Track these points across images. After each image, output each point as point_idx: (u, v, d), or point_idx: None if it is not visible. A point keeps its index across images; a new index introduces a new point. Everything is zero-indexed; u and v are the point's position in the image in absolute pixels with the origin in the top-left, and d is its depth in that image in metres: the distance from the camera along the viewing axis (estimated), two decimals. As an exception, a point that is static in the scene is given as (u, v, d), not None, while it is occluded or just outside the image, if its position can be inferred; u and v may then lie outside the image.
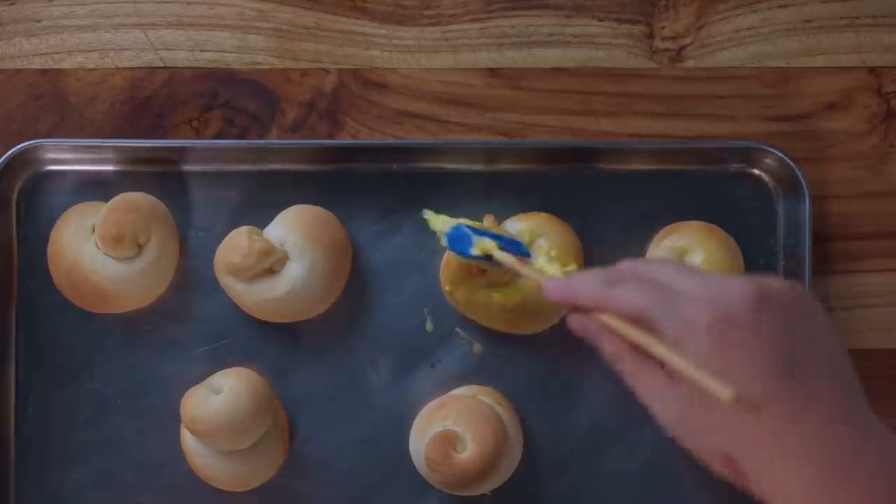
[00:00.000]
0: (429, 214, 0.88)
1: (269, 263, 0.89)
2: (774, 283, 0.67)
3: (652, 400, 0.70)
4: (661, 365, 0.69)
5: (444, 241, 0.87)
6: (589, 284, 0.72)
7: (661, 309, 0.68)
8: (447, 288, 0.91)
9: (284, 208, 0.92)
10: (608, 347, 0.72)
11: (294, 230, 0.90)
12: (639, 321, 0.69)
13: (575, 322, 0.74)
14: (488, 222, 0.91)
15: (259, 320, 0.91)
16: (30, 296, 0.92)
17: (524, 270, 0.80)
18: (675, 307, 0.67)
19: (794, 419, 0.64)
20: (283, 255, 0.90)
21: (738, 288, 0.66)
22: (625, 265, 0.73)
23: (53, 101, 0.95)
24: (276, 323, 0.92)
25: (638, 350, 0.70)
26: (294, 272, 0.90)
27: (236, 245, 0.89)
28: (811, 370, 0.65)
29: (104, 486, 0.92)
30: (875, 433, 0.65)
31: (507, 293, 0.90)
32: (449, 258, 0.91)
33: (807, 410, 0.64)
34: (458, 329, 0.92)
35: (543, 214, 0.92)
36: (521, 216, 0.92)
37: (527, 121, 0.95)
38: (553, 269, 0.80)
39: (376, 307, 0.93)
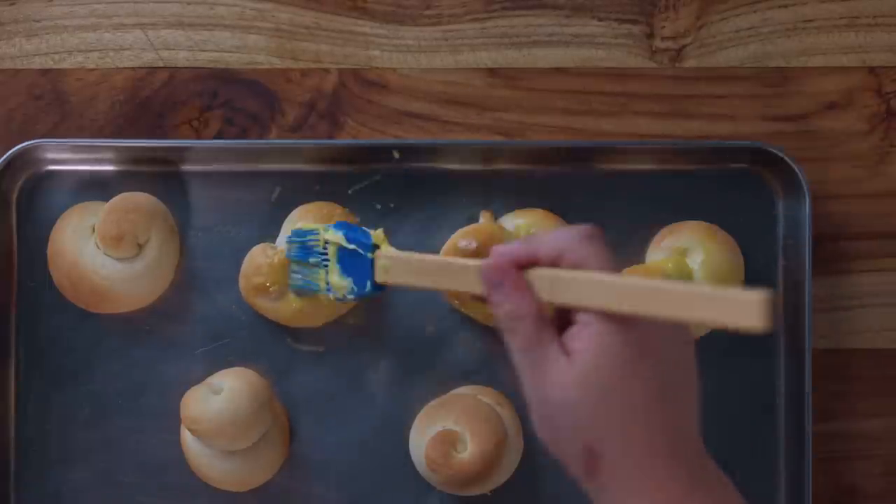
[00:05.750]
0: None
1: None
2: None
3: (536, 376, 0.67)
4: (558, 339, 0.66)
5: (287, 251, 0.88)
6: (514, 246, 0.69)
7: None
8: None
9: (284, 208, 0.92)
10: (517, 303, 0.67)
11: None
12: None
13: (487, 267, 0.69)
14: (485, 219, 0.91)
15: (260, 320, 0.91)
16: (30, 296, 0.92)
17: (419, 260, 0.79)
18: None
19: (667, 425, 0.65)
20: None
21: None
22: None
23: (53, 101, 0.95)
24: (277, 323, 0.91)
25: (542, 317, 0.67)
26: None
27: (257, 266, 0.89)
28: (682, 390, 0.66)
29: (104, 486, 0.92)
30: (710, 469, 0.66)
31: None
32: (446, 253, 0.91)
33: (682, 416, 0.65)
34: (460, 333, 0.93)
35: (540, 211, 0.92)
36: (519, 212, 0.92)
37: (527, 121, 0.95)
38: None
39: (376, 307, 0.93)
